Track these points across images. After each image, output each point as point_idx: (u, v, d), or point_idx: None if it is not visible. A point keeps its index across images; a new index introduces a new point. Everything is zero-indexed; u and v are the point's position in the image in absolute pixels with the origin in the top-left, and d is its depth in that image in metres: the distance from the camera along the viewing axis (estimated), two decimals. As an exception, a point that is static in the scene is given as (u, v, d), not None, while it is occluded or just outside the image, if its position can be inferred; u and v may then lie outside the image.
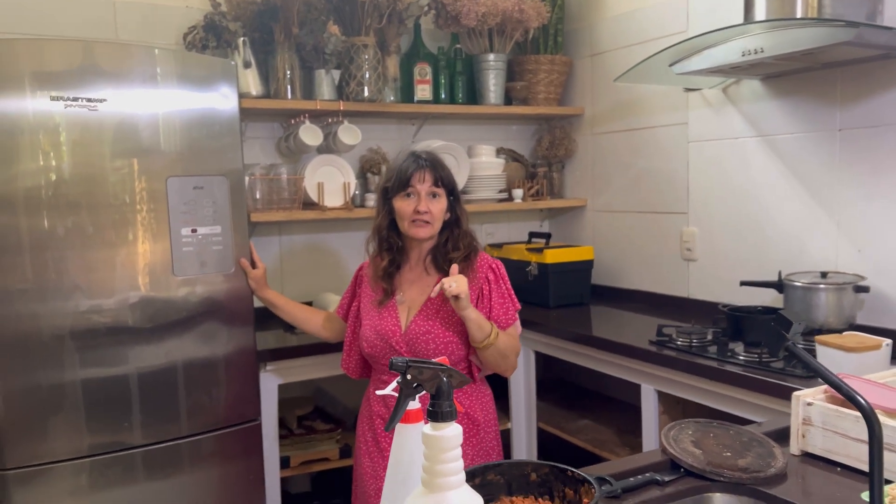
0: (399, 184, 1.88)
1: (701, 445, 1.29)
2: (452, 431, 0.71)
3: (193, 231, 2.02)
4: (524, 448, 2.80)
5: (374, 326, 1.92)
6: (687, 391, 2.09)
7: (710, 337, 2.17)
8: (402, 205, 1.88)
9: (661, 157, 2.85)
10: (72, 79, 1.84)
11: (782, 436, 1.36)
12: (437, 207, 1.87)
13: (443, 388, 0.72)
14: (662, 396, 2.21)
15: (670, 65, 2.24)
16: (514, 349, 1.89)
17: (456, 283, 1.73)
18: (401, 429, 0.88)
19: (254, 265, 2.14)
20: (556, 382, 3.24)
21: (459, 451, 0.72)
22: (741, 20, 2.13)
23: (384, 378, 1.92)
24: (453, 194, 1.93)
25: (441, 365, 0.76)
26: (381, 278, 1.94)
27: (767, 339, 1.25)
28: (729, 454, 1.26)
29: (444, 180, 1.88)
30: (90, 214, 1.89)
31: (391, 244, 1.94)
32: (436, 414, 0.72)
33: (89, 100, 1.86)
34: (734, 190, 2.57)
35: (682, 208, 2.78)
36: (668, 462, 1.26)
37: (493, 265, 1.95)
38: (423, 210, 1.85)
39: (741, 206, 2.55)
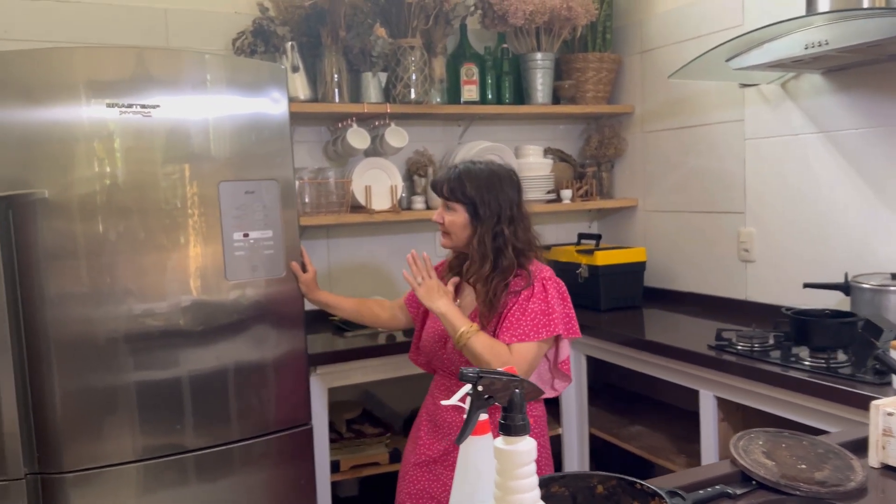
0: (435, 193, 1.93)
1: (773, 457, 1.23)
2: (526, 446, 0.68)
3: (245, 235, 2.02)
4: (576, 455, 2.75)
5: (430, 326, 1.95)
6: (748, 397, 2.02)
7: (772, 341, 2.10)
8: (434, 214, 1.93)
9: (716, 155, 2.77)
10: (125, 86, 1.86)
11: (859, 447, 1.29)
12: (451, 220, 1.84)
13: (515, 401, 0.69)
14: (722, 403, 2.13)
15: (728, 59, 2.17)
16: (497, 358, 1.70)
17: (423, 283, 1.84)
18: (467, 441, 0.85)
19: (304, 269, 2.13)
20: (605, 387, 3.18)
21: (534, 466, 0.69)
22: (801, 12, 2.05)
23: (443, 382, 1.94)
24: (476, 209, 1.81)
25: (513, 376, 0.73)
26: (444, 277, 1.95)
27: (854, 347, 1.18)
28: (804, 466, 1.20)
29: (459, 194, 1.81)
30: (142, 219, 1.91)
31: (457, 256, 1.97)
32: (508, 427, 0.69)
33: (143, 106, 1.87)
34: (794, 188, 2.48)
35: (738, 208, 2.69)
36: (739, 474, 1.21)
37: (539, 286, 1.79)
38: (437, 221, 1.88)
39: (802, 204, 2.46)
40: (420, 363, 2.05)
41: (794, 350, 1.99)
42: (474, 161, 1.89)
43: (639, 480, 1.01)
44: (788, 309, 2.11)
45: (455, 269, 1.96)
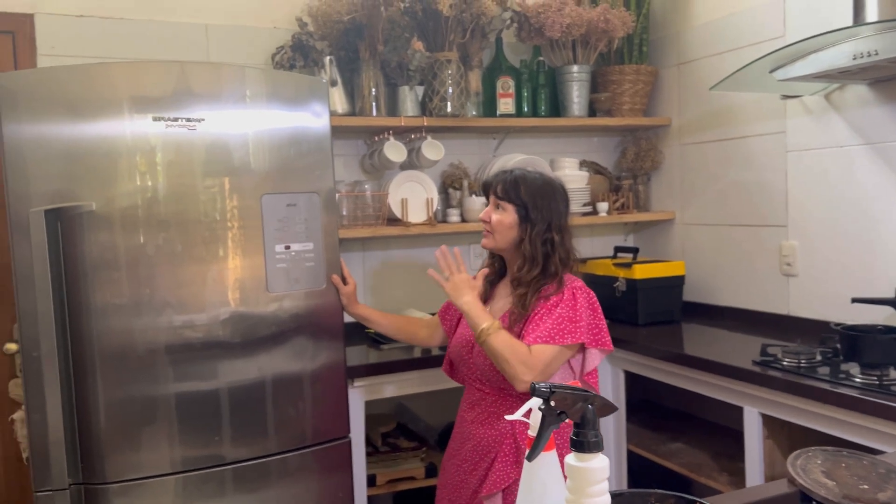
0: (483, 193, 1.96)
1: (833, 476, 1.19)
2: (599, 463, 0.66)
3: (287, 248, 2.03)
4: (614, 471, 2.70)
5: (459, 333, 1.96)
6: (795, 415, 1.97)
7: (819, 357, 2.05)
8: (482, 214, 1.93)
9: (757, 168, 2.73)
10: (166, 101, 1.88)
11: (921, 467, 1.25)
12: (499, 219, 1.85)
13: (588, 416, 0.67)
14: (767, 420, 2.09)
15: (771, 71, 2.14)
16: (516, 354, 1.71)
17: (450, 278, 1.87)
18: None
19: (344, 281, 2.13)
20: (643, 403, 3.13)
21: (606, 484, 0.67)
22: (846, 22, 2.02)
23: (469, 386, 1.95)
24: (527, 212, 1.83)
25: (586, 391, 0.71)
26: (483, 281, 1.95)
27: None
28: (866, 486, 1.16)
29: (511, 194, 1.84)
30: (181, 232, 1.92)
31: (494, 254, 1.97)
32: (581, 444, 0.67)
33: (189, 120, 1.89)
34: (838, 201, 2.43)
35: (780, 221, 2.64)
36: (798, 494, 1.17)
37: (568, 293, 1.80)
38: (485, 219, 1.88)
39: (846, 217, 2.41)
40: (450, 374, 2.04)
41: (844, 366, 1.94)
42: (528, 169, 1.92)
43: (698, 499, 0.99)
44: (837, 324, 2.06)
45: (488, 278, 1.97)
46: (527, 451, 0.73)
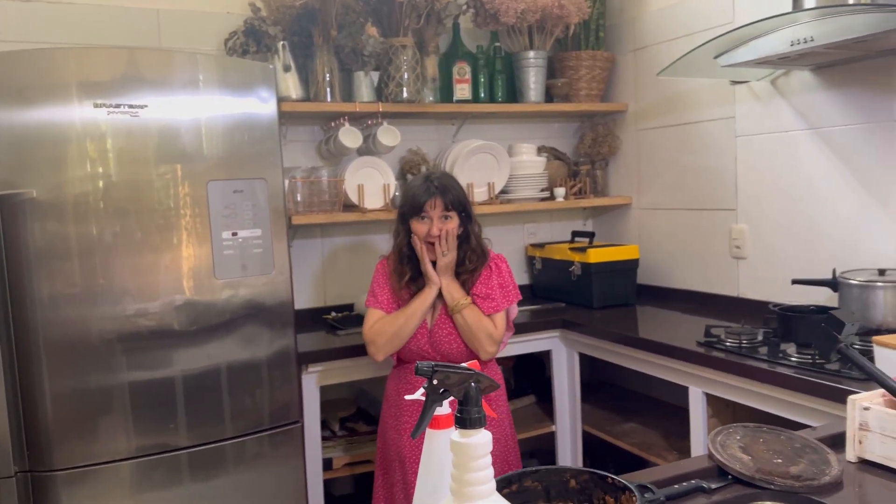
0: (413, 209, 2.06)
1: (750, 451, 1.23)
2: (482, 438, 0.69)
3: (234, 234, 2.04)
4: (569, 452, 2.76)
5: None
6: (736, 394, 2.02)
7: (760, 338, 2.10)
8: (418, 227, 2.06)
9: (708, 153, 2.77)
10: (116, 86, 1.87)
11: (837, 442, 1.30)
12: (451, 227, 2.05)
13: (471, 394, 0.70)
14: (711, 399, 2.14)
15: (715, 57, 2.17)
16: (483, 329, 2.04)
17: (447, 255, 2.04)
18: (430, 435, 0.86)
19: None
20: (600, 384, 3.18)
21: (489, 458, 0.70)
22: (788, 9, 2.05)
23: (410, 378, 2.13)
24: (465, 212, 2.08)
25: (469, 369, 0.74)
26: (404, 288, 2.11)
27: (818, 341, 1.18)
28: (780, 461, 1.20)
29: (454, 203, 2.05)
30: (137, 220, 1.92)
31: (411, 259, 2.11)
32: (464, 420, 0.70)
33: (131, 106, 1.89)
34: (785, 185, 2.48)
35: (730, 205, 2.69)
36: (715, 469, 1.21)
37: (492, 263, 2.14)
38: (436, 234, 2.04)
39: (793, 201, 2.46)
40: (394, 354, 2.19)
41: (782, 346, 1.99)
42: (431, 173, 2.14)
43: (610, 475, 1.02)
44: (775, 305, 2.12)
45: (401, 274, 2.11)
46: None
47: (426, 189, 2.03)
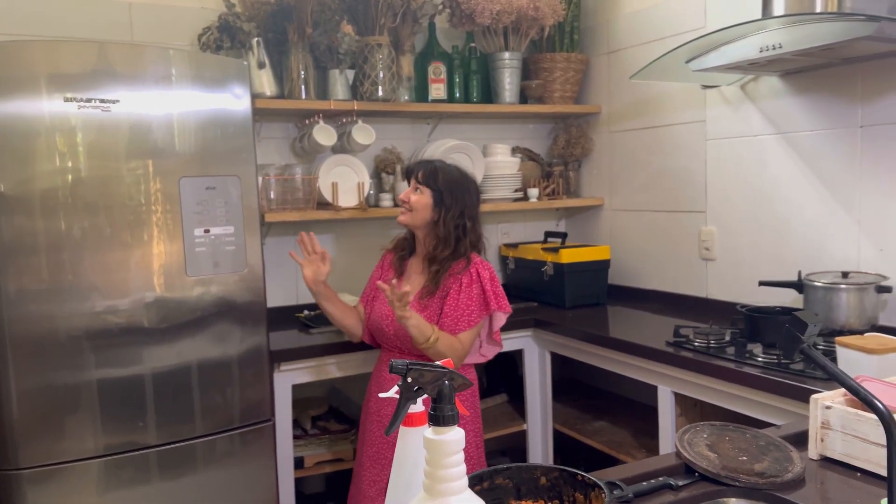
0: (406, 177, 2.20)
1: (716, 449, 1.26)
2: (454, 436, 0.70)
3: (206, 231, 2.02)
4: (539, 450, 2.78)
5: (377, 309, 2.19)
6: (704, 393, 2.06)
7: (727, 338, 2.14)
8: (401, 194, 2.17)
9: (679, 156, 2.82)
10: (86, 80, 1.85)
11: (800, 440, 1.33)
12: (416, 199, 2.09)
13: (444, 392, 0.71)
14: (679, 398, 2.17)
15: (687, 61, 2.21)
16: (454, 352, 2.04)
17: (398, 304, 1.92)
18: (404, 432, 0.87)
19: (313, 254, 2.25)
20: (571, 384, 3.21)
21: (462, 455, 0.71)
22: (759, 16, 2.10)
23: (386, 350, 2.22)
24: (442, 198, 2.09)
25: (443, 368, 0.75)
26: (393, 253, 2.27)
27: (782, 342, 1.21)
28: (745, 458, 1.23)
29: (427, 179, 2.09)
30: (106, 215, 1.90)
31: (405, 235, 2.26)
32: (437, 418, 0.70)
33: (102, 101, 1.87)
34: (753, 188, 2.53)
35: (700, 207, 2.74)
36: (683, 466, 1.24)
37: (473, 270, 2.10)
38: (404, 199, 2.12)
39: (760, 204, 2.51)
40: (371, 342, 2.29)
41: (749, 346, 2.03)
42: (447, 162, 2.20)
43: (580, 472, 1.04)
44: (742, 306, 2.16)
45: (400, 250, 2.26)
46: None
47: (421, 161, 2.19)
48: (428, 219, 2.10)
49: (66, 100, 1.82)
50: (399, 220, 2.15)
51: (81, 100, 1.84)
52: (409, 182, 2.17)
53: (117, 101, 1.88)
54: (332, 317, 2.26)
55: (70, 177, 1.86)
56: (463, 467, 0.71)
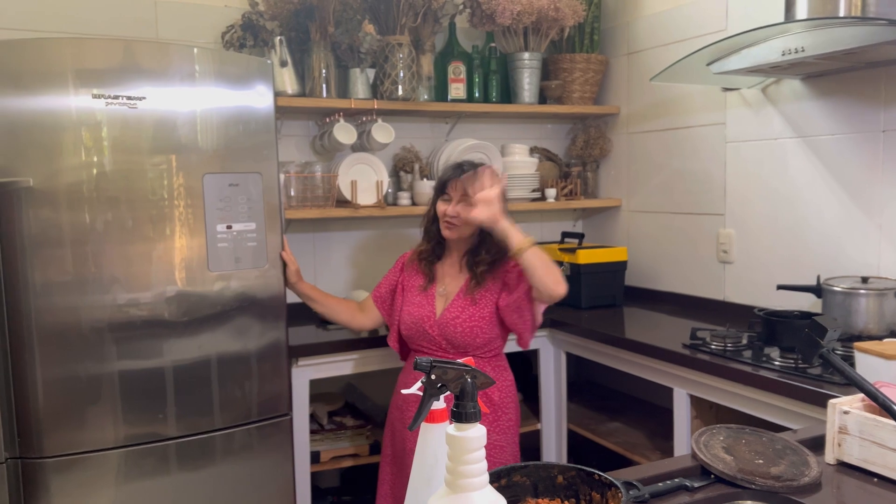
0: (440, 187, 2.13)
1: (732, 452, 1.26)
2: (476, 432, 0.71)
3: (229, 227, 2.05)
4: (553, 449, 2.79)
5: (411, 311, 2.14)
6: (720, 396, 2.06)
7: (745, 341, 2.14)
8: (440, 206, 2.11)
9: (698, 158, 2.81)
10: (112, 77, 1.88)
11: (817, 444, 1.33)
12: (468, 213, 2.00)
13: (467, 389, 0.72)
14: (695, 401, 2.17)
15: (708, 64, 2.21)
16: (552, 272, 1.97)
17: (481, 212, 1.91)
18: (426, 428, 0.89)
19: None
20: (586, 384, 3.22)
21: (483, 452, 0.72)
22: (781, 19, 2.09)
23: (411, 372, 2.13)
24: None
25: (465, 365, 0.76)
26: (419, 261, 2.20)
27: (801, 346, 1.21)
28: (761, 461, 1.23)
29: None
30: (129, 210, 1.93)
31: (431, 235, 2.18)
32: (459, 415, 0.72)
33: (129, 98, 1.89)
34: (773, 191, 2.52)
35: (718, 210, 2.73)
36: (699, 468, 1.25)
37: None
38: (452, 214, 2.06)
39: (780, 208, 2.50)
40: (399, 349, 2.24)
41: (766, 350, 2.03)
42: (475, 162, 2.13)
43: (597, 472, 1.05)
44: (761, 310, 2.15)
45: (426, 258, 2.19)
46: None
47: (455, 170, 2.08)
48: (476, 229, 2.07)
49: (95, 96, 1.85)
50: (446, 236, 2.11)
51: (109, 97, 1.87)
52: (443, 192, 2.10)
53: (143, 97, 1.91)
54: (323, 317, 2.34)
55: (95, 171, 1.89)
56: (484, 464, 0.72)
